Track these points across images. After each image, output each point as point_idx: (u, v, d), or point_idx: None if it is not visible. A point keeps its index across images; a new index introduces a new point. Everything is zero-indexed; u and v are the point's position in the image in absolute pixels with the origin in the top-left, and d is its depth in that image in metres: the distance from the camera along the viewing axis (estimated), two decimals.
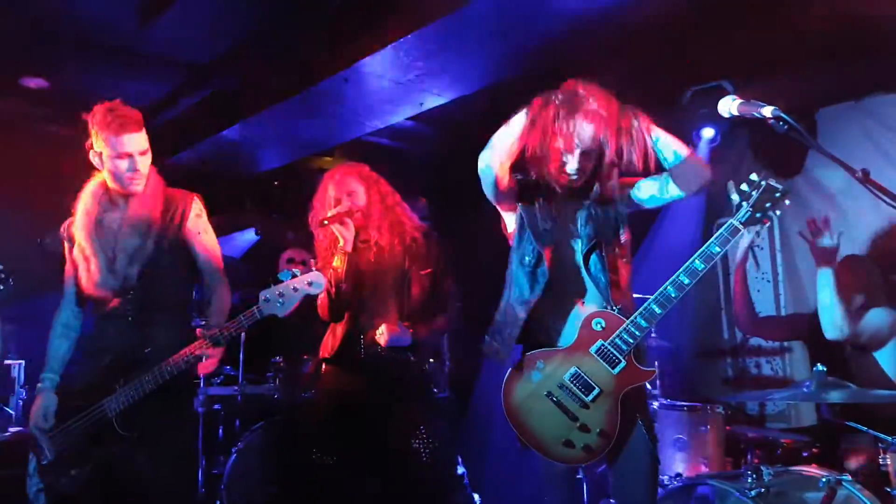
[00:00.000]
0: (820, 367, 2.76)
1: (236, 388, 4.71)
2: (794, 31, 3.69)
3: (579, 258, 2.48)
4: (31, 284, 5.48)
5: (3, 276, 3.28)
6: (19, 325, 4.67)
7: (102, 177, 2.80)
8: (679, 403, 3.74)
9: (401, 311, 3.22)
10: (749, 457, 3.46)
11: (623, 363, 2.30)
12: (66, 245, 2.83)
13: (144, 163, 2.72)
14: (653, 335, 3.89)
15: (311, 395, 4.19)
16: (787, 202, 2.26)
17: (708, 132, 4.62)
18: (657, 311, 2.29)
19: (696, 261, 2.27)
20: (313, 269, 2.66)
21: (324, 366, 3.31)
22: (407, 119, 5.02)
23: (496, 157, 2.47)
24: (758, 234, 4.66)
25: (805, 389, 2.79)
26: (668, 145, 2.42)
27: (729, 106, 2.16)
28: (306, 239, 5.38)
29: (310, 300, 2.72)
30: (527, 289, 2.50)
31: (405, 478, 3.49)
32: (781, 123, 2.03)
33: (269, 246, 6.52)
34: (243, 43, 4.34)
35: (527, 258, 2.53)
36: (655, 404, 3.76)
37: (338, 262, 3.14)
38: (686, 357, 4.75)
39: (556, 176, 2.47)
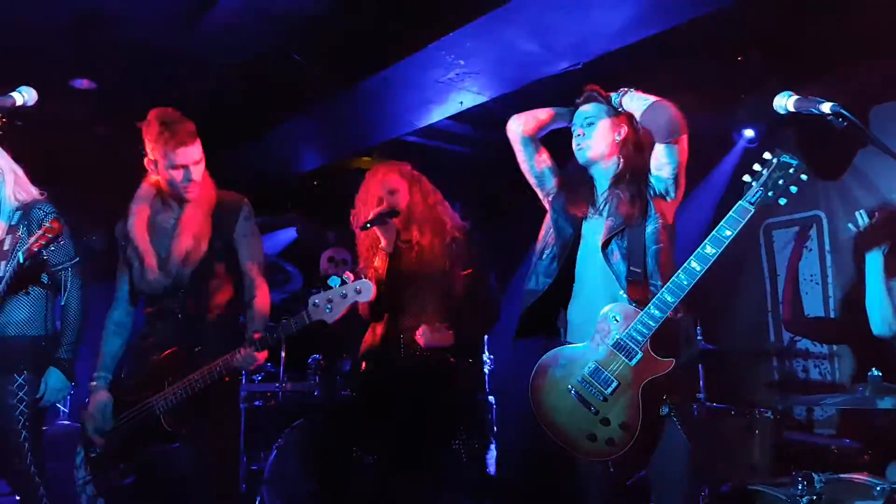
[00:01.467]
0: (875, 371, 2.68)
1: (277, 385, 4.75)
2: (846, 29, 3.60)
3: (598, 245, 2.49)
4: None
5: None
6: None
7: (156, 178, 2.85)
8: (725, 407, 3.66)
9: (441, 312, 3.20)
10: (798, 463, 3.37)
11: (640, 355, 2.29)
12: (120, 244, 2.89)
13: (198, 172, 2.77)
14: (699, 337, 3.83)
15: (351, 393, 4.21)
16: (803, 177, 2.19)
17: (748, 132, 4.58)
18: (670, 299, 2.27)
19: (707, 246, 2.24)
20: (359, 272, 2.67)
21: (363, 364, 3.31)
22: (446, 118, 5.02)
23: (522, 117, 2.69)
24: (808, 235, 4.57)
25: (859, 395, 2.71)
26: (635, 98, 2.50)
27: (784, 102, 2.11)
28: (347, 238, 5.44)
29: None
30: (540, 281, 2.58)
31: (444, 478, 3.49)
32: (840, 120, 1.98)
33: (310, 246, 6.57)
34: (285, 44, 4.38)
35: (544, 253, 2.61)
36: (700, 408, 3.70)
37: (378, 263, 3.14)
38: (731, 360, 4.66)
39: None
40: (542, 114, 2.75)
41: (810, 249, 4.68)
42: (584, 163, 2.62)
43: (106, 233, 2.96)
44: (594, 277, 2.52)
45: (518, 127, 2.74)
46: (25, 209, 2.82)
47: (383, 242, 3.13)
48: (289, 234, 6.85)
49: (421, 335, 3.12)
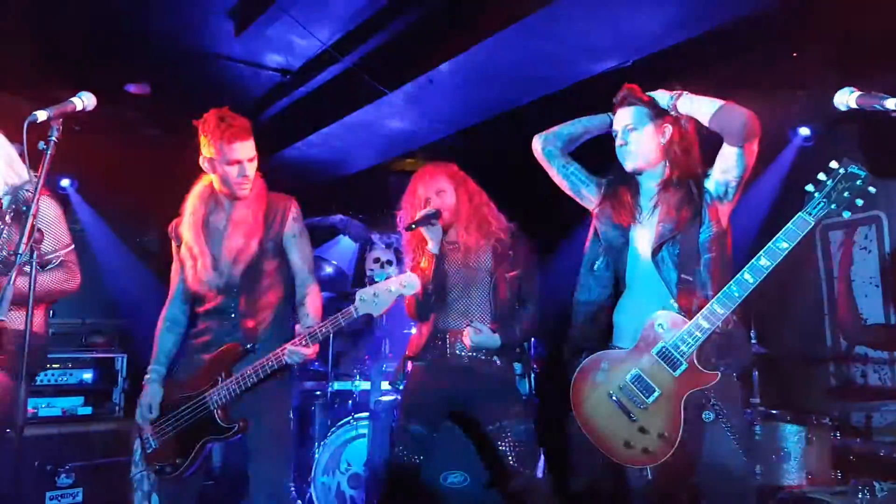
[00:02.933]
0: None
1: (325, 383, 4.80)
2: None
3: (648, 255, 2.45)
4: (128, 282, 5.77)
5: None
6: (118, 320, 4.92)
7: (209, 179, 2.90)
8: (782, 413, 3.57)
9: (487, 313, 3.19)
10: (857, 471, 3.26)
11: (684, 366, 2.25)
12: (174, 244, 2.95)
13: (252, 169, 2.80)
14: (752, 341, 3.74)
15: (398, 393, 4.22)
16: (871, 189, 2.11)
17: (804, 130, 4.50)
18: (720, 311, 2.21)
19: (762, 257, 2.17)
20: (406, 269, 2.69)
21: (409, 365, 3.32)
22: (488, 120, 5.00)
23: (545, 136, 2.73)
24: (866, 236, 4.42)
25: None
26: (696, 101, 2.42)
27: (846, 98, 2.02)
28: (392, 239, 5.47)
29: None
30: (594, 291, 2.58)
31: (490, 479, 3.47)
32: None
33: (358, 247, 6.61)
34: (331, 47, 4.42)
35: (596, 263, 2.60)
36: (755, 414, 3.61)
37: (425, 264, 3.14)
38: (787, 365, 4.54)
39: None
40: (568, 128, 2.73)
41: (869, 251, 4.53)
42: (629, 171, 2.58)
43: (160, 234, 3.01)
44: (644, 284, 2.48)
45: (540, 145, 2.74)
46: (14, 192, 2.64)
47: (430, 244, 3.13)
48: (348, 244, 6.87)
49: (467, 336, 3.10)
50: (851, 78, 2.19)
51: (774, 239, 2.18)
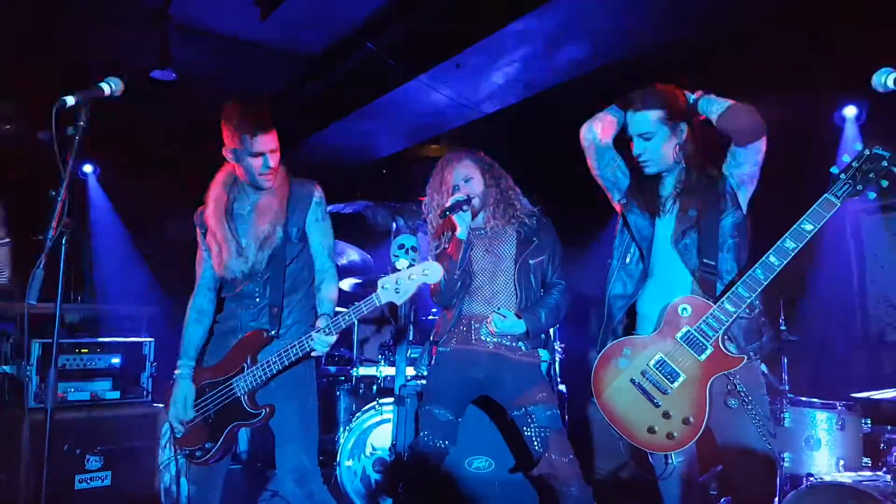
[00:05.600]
0: None
1: (350, 368, 4.82)
2: None
3: (671, 240, 2.45)
4: (156, 268, 5.84)
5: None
6: (146, 306, 4.96)
7: (233, 165, 2.90)
8: (812, 401, 3.52)
9: (512, 299, 3.17)
10: (890, 458, 3.20)
11: (710, 349, 2.23)
12: (199, 231, 2.96)
13: (276, 160, 2.80)
14: (782, 328, 3.69)
15: (423, 378, 4.23)
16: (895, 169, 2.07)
17: (850, 110, 4.36)
18: (745, 294, 2.20)
19: (787, 240, 2.16)
20: (430, 257, 2.67)
21: (434, 350, 3.32)
22: (512, 105, 4.97)
23: (597, 124, 2.65)
24: None
25: None
26: (711, 101, 2.42)
27: (884, 79, 1.98)
28: (417, 226, 5.46)
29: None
30: (629, 285, 2.56)
31: (515, 465, 3.47)
32: None
33: (380, 233, 6.62)
34: (355, 33, 4.41)
35: (628, 256, 2.60)
36: (784, 400, 3.56)
37: (452, 249, 3.13)
38: (817, 352, 4.47)
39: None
40: (611, 116, 2.69)
41: None
42: (650, 175, 2.59)
43: (186, 221, 3.01)
44: (667, 272, 2.49)
45: (593, 135, 2.69)
46: None
47: (459, 230, 3.11)
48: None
49: (491, 322, 3.09)
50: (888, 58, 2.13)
51: (800, 220, 2.17)
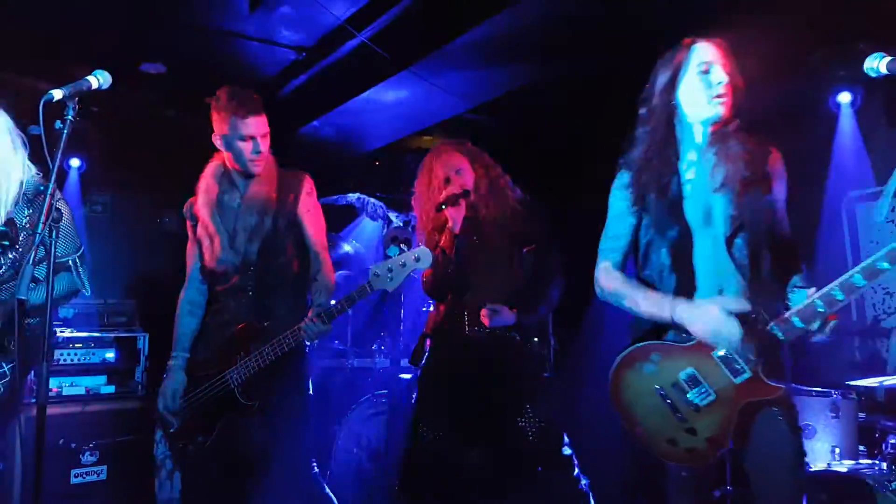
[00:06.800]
0: None
1: (345, 361, 4.82)
2: None
3: (720, 242, 2.17)
4: (148, 262, 5.81)
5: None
6: (139, 300, 4.95)
7: (222, 157, 2.89)
8: (807, 388, 3.52)
9: (505, 290, 3.17)
10: (885, 447, 3.21)
11: (748, 374, 2.06)
12: (189, 224, 2.95)
13: (265, 144, 2.80)
14: None
15: (417, 370, 4.23)
16: None
17: (845, 96, 4.29)
18: (798, 325, 2.00)
19: (857, 275, 1.92)
20: (420, 245, 2.67)
21: (428, 342, 3.31)
22: (506, 94, 4.94)
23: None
24: (893, 208, 4.31)
25: None
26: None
27: (876, 64, 1.95)
28: (409, 217, 5.45)
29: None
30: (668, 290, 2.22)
31: (511, 456, 3.47)
32: None
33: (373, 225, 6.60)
34: (346, 25, 4.37)
35: (658, 264, 2.26)
36: None
37: (445, 242, 3.11)
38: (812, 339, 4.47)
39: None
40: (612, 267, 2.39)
41: None
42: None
43: (179, 214, 3.00)
44: (708, 271, 2.20)
45: (601, 290, 2.37)
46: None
47: (452, 223, 3.10)
48: (371, 224, 6.83)
49: (485, 317, 3.09)
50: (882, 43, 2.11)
51: (874, 258, 1.93)
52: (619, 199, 2.36)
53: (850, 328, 4.59)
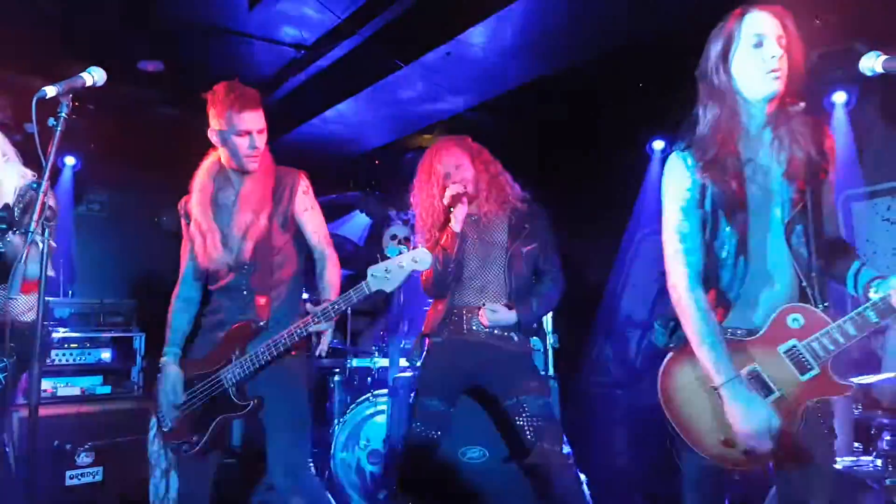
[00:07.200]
0: None
1: (344, 360, 4.81)
2: None
3: (777, 226, 2.06)
4: (146, 261, 5.81)
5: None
6: (137, 300, 4.95)
7: (217, 155, 2.86)
8: None
9: (504, 289, 3.16)
10: (881, 443, 3.21)
11: (816, 371, 1.95)
12: (183, 222, 2.93)
13: (262, 140, 2.76)
14: None
15: (416, 369, 4.23)
16: None
17: (840, 96, 4.29)
18: (874, 320, 1.90)
19: None
20: (419, 245, 2.65)
21: (427, 341, 3.31)
22: (507, 93, 4.93)
23: None
24: (888, 207, 4.32)
25: None
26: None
27: (872, 63, 1.93)
28: (409, 216, 5.44)
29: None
30: (734, 286, 2.08)
31: (509, 455, 3.47)
32: None
33: (373, 224, 6.60)
34: (346, 21, 4.36)
35: (725, 248, 2.08)
36: None
37: (446, 241, 3.10)
38: None
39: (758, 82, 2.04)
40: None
41: (892, 222, 4.44)
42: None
43: (176, 212, 2.98)
44: (764, 259, 2.09)
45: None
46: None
47: (453, 222, 3.09)
48: (362, 220, 6.85)
49: (483, 316, 3.09)
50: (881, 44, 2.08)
51: None
52: (683, 188, 2.12)
53: None
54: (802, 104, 2.06)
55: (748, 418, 1.91)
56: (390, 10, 4.19)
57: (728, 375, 1.95)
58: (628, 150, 5.42)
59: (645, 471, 4.46)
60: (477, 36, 4.01)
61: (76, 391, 4.04)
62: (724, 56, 2.07)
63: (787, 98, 2.06)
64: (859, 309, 1.93)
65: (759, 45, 2.02)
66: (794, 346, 1.98)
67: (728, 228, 2.06)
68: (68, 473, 3.82)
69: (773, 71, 2.00)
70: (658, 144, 5.43)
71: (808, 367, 1.97)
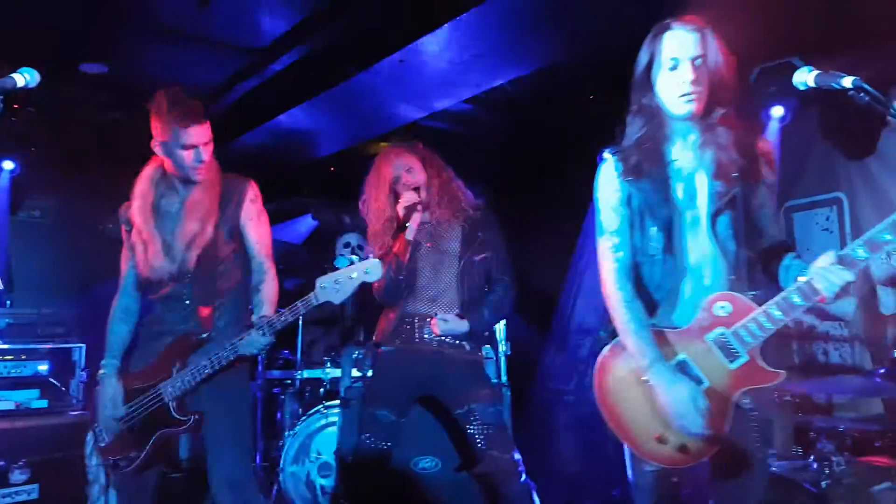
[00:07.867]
0: None
1: (294, 372, 4.75)
2: (867, 4, 3.48)
3: (705, 220, 2.09)
4: (90, 270, 5.64)
5: None
6: (79, 310, 4.80)
7: (161, 160, 2.79)
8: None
9: (456, 297, 3.16)
10: (818, 446, 3.32)
11: (745, 359, 1.94)
12: (124, 229, 2.85)
13: (208, 153, 2.70)
14: None
15: (366, 379, 4.19)
16: None
17: (777, 110, 4.41)
18: (798, 303, 1.92)
19: (859, 249, 1.88)
20: (370, 255, 2.63)
21: (378, 351, 3.29)
22: (464, 101, 4.95)
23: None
24: (827, 217, 4.47)
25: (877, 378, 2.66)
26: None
27: (805, 77, 1.98)
28: (363, 223, 5.42)
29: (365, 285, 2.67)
30: (664, 283, 2.11)
31: (460, 463, 3.47)
32: (862, 95, 1.88)
33: (326, 231, 6.55)
34: (299, 26, 4.32)
35: (652, 244, 2.12)
36: None
37: (399, 248, 3.08)
38: None
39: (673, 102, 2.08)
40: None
41: (830, 232, 4.60)
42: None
43: (118, 218, 2.89)
44: (691, 252, 2.11)
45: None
46: None
47: (408, 230, 3.08)
48: (309, 222, 6.81)
49: (435, 325, 3.08)
50: (812, 60, 2.15)
51: (875, 230, 1.91)
52: (612, 190, 2.21)
53: (787, 331, 4.73)
54: (723, 110, 2.10)
55: (674, 396, 1.92)
56: (344, 14, 4.17)
57: (653, 356, 1.98)
58: (583, 159, 5.49)
59: (596, 477, 4.50)
60: (431, 44, 4.00)
61: (10, 405, 3.88)
62: (647, 73, 2.13)
63: (709, 115, 2.10)
64: (783, 293, 1.95)
65: (674, 68, 2.06)
66: (722, 334, 1.97)
67: (654, 228, 2.11)
68: (2, 492, 3.66)
69: (686, 94, 2.04)
70: (609, 154, 5.51)
71: (736, 354, 1.95)
